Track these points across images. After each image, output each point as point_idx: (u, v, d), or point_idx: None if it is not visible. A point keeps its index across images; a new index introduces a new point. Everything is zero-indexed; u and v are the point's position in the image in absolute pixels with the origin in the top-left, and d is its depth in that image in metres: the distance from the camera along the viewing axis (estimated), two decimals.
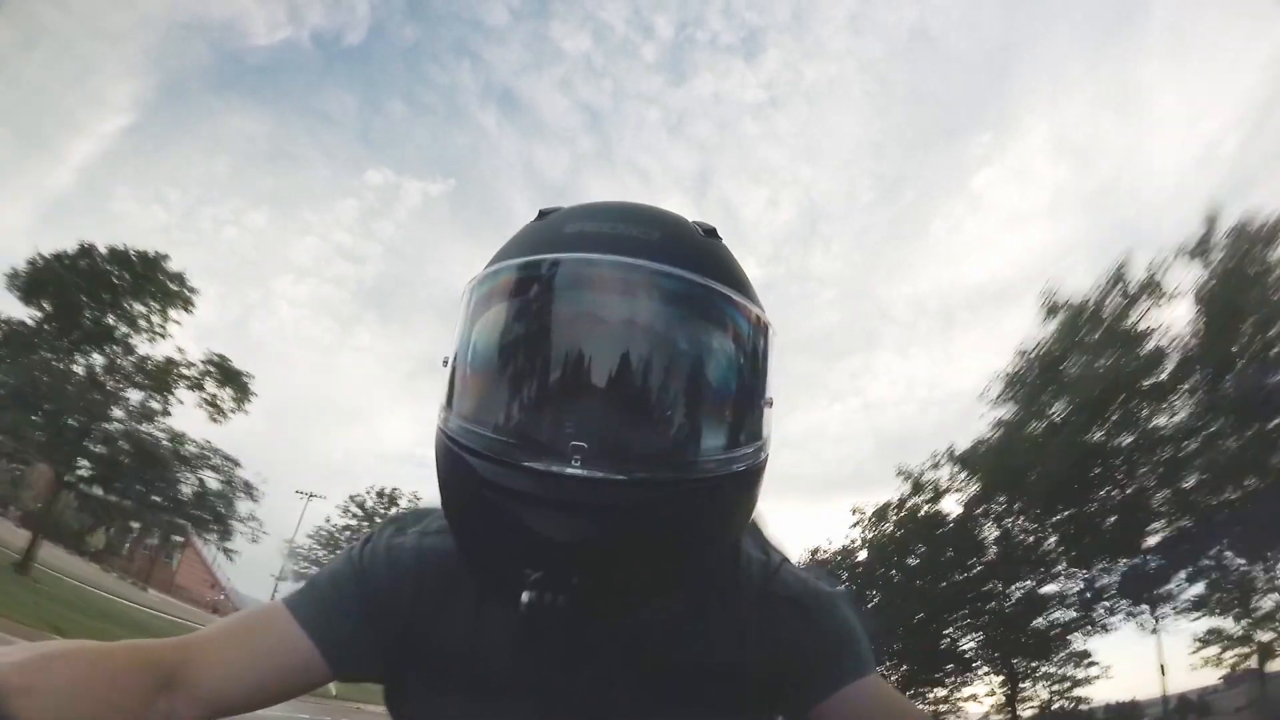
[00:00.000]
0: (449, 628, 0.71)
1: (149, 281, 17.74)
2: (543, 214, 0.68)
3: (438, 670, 0.73)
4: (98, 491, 19.07)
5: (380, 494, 35.33)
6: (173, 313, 18.30)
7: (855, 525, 23.10)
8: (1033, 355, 18.58)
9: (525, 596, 0.53)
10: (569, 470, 0.52)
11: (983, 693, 21.52)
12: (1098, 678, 19.29)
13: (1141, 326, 16.54)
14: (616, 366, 0.57)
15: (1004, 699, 20.51)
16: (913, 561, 21.77)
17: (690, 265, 0.59)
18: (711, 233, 0.67)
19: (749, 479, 0.62)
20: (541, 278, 0.60)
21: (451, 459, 0.59)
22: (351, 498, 35.34)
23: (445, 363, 0.64)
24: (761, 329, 0.63)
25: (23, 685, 0.52)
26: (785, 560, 0.79)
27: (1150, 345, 16.34)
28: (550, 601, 0.53)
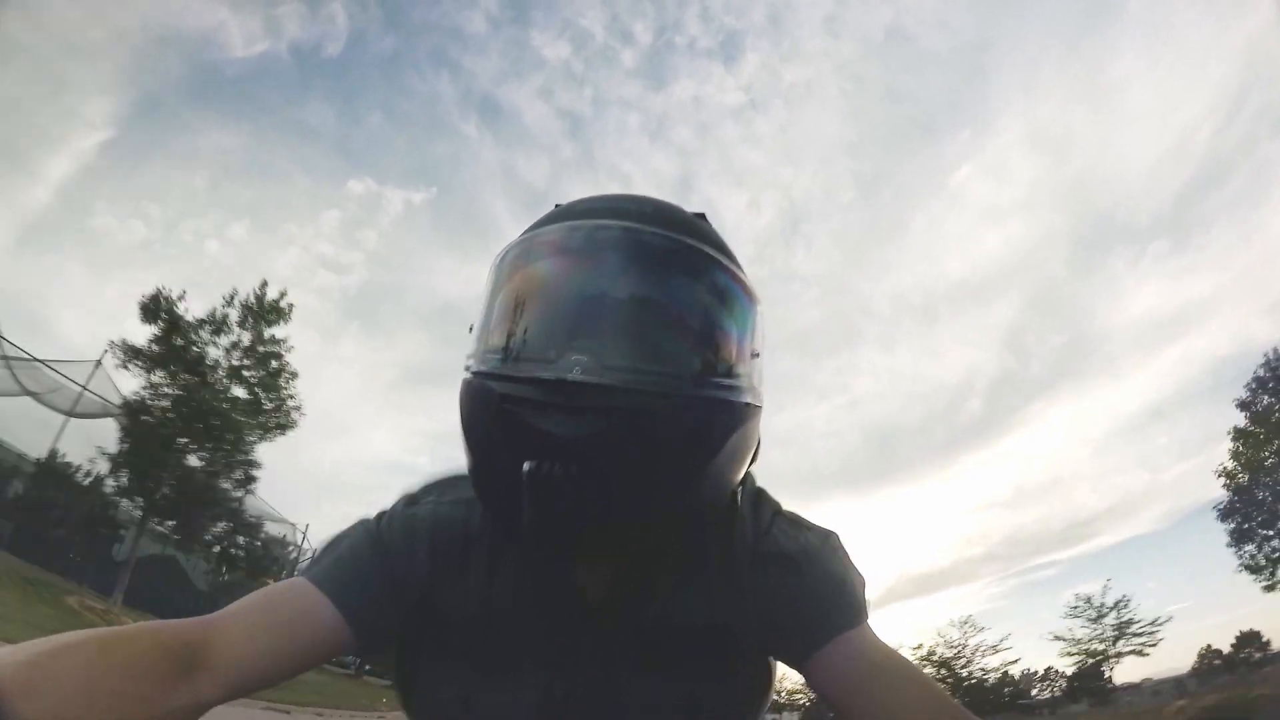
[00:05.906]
0: (462, 594, 0.77)
1: None
2: (557, 206, 0.79)
3: (450, 636, 0.78)
4: None
5: None
6: None
7: None
8: None
9: (526, 465, 0.61)
10: (570, 377, 0.62)
11: None
12: None
13: None
14: (612, 301, 0.69)
15: None
16: None
17: (676, 231, 0.71)
18: (701, 216, 0.79)
19: (737, 412, 0.70)
20: (553, 241, 0.73)
21: (473, 391, 0.70)
22: None
23: (470, 329, 0.75)
24: (741, 286, 0.74)
25: (25, 686, 0.50)
26: (778, 514, 0.84)
27: None
28: (549, 470, 0.61)
